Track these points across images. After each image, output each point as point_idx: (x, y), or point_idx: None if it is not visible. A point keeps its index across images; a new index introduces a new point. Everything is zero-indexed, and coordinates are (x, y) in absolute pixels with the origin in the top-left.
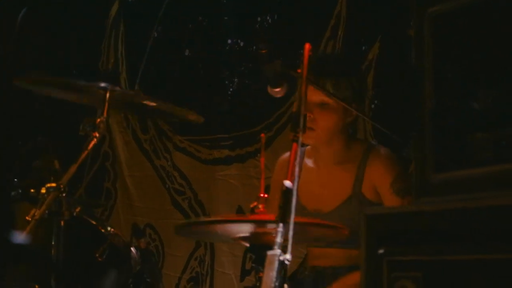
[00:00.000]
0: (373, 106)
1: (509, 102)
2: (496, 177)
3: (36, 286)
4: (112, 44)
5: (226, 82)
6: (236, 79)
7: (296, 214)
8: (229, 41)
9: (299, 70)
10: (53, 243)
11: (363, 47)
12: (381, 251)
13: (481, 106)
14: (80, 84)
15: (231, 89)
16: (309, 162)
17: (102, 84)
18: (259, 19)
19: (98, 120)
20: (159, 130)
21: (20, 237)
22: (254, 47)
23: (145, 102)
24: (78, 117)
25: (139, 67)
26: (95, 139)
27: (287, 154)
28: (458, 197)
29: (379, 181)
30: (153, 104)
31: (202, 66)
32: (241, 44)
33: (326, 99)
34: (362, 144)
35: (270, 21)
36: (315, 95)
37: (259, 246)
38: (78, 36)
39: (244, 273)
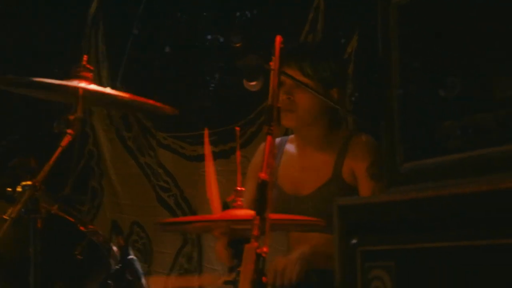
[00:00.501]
0: (353, 98)
1: (475, 89)
2: (465, 164)
3: None
4: (93, 42)
5: (207, 78)
6: (217, 75)
7: (274, 198)
8: (209, 36)
9: (271, 63)
10: (30, 241)
11: (342, 40)
12: (354, 241)
13: (448, 94)
14: (51, 84)
15: (212, 85)
16: (291, 147)
17: (75, 82)
18: (238, 14)
19: (72, 117)
20: (142, 127)
21: None
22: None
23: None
24: (55, 115)
25: (120, 65)
26: (69, 136)
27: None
28: (428, 185)
29: (357, 164)
30: (127, 97)
31: (183, 62)
32: (221, 39)
33: (305, 80)
34: (344, 131)
35: (249, 15)
36: (295, 77)
37: (238, 240)
38: (59, 34)
39: (232, 268)
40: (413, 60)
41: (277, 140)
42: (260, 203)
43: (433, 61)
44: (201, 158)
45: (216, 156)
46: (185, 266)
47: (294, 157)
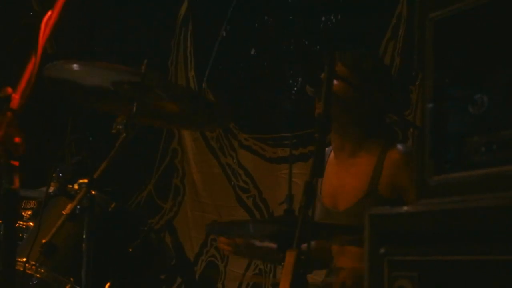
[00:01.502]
0: None
1: (504, 106)
2: (493, 179)
3: (71, 279)
4: (182, 42)
5: (291, 81)
6: (300, 78)
7: (318, 212)
8: (294, 40)
9: (323, 75)
10: (84, 237)
11: None
12: (382, 250)
13: (477, 110)
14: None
15: (295, 88)
16: (332, 157)
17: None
18: (323, 18)
19: (128, 118)
20: (225, 128)
21: None
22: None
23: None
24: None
25: (207, 66)
26: (125, 137)
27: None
28: (456, 198)
29: (398, 178)
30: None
31: (267, 65)
32: (306, 43)
33: (343, 70)
34: (381, 141)
35: (334, 20)
36: (336, 68)
37: (286, 245)
38: (148, 34)
39: None
40: (445, 75)
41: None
42: (303, 209)
43: (463, 77)
44: (281, 160)
45: (295, 159)
46: (260, 266)
47: (333, 168)
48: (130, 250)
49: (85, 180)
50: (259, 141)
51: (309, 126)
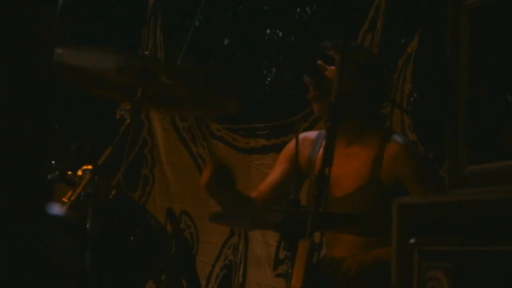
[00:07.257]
0: (412, 99)
1: None
2: None
3: None
4: (152, 31)
5: (264, 72)
6: (274, 69)
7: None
8: (268, 31)
9: (319, 62)
10: (87, 225)
11: (402, 40)
12: (412, 241)
13: None
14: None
15: (268, 79)
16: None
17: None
18: (298, 10)
19: (134, 104)
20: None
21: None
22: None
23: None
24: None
25: (178, 55)
26: (130, 123)
27: (306, 133)
28: (491, 189)
29: (399, 169)
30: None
31: (241, 56)
32: (280, 34)
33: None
34: (379, 132)
35: (309, 12)
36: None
37: (291, 234)
38: (119, 21)
39: (277, 262)
40: (482, 64)
41: (316, 133)
42: (316, 199)
43: (501, 65)
44: (253, 151)
45: (268, 150)
46: (230, 257)
47: None
48: (133, 238)
49: (89, 167)
50: (231, 131)
51: (282, 117)
